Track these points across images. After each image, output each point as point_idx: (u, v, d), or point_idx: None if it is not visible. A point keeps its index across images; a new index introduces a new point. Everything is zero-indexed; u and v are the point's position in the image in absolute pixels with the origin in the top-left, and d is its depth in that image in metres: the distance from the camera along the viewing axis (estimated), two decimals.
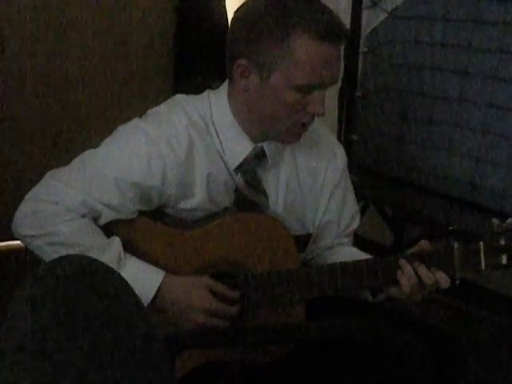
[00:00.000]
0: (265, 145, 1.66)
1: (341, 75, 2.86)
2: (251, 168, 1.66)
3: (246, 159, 1.64)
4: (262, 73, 1.54)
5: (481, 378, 2.26)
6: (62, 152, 3.13)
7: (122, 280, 1.14)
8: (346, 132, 2.92)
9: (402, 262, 1.56)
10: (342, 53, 1.58)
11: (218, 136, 1.64)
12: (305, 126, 1.60)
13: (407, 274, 1.55)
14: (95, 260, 1.15)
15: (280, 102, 1.55)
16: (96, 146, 1.64)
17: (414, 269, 1.55)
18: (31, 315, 0.98)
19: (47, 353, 0.93)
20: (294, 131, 1.61)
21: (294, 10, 1.51)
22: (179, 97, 1.69)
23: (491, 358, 2.41)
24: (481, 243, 1.57)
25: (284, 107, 1.55)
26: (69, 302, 1.02)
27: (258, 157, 1.66)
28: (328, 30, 1.50)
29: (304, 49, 1.50)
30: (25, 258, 1.66)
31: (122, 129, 1.63)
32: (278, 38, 1.51)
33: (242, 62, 1.56)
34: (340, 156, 1.78)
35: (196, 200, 1.63)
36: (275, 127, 1.60)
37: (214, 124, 1.64)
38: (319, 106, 1.56)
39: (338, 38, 1.52)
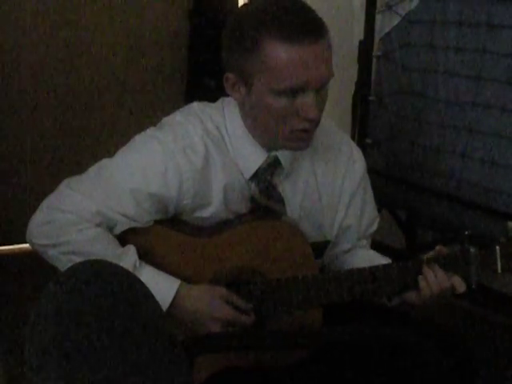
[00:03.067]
0: (279, 153, 1.64)
1: (354, 79, 2.92)
2: (265, 177, 1.65)
3: (260, 168, 1.64)
4: (246, 84, 1.53)
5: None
6: (73, 159, 3.17)
7: (143, 285, 1.15)
8: (360, 136, 2.93)
9: (425, 267, 1.57)
10: (326, 49, 1.49)
11: (233, 146, 1.63)
12: (307, 131, 1.56)
13: (430, 279, 1.56)
14: (116, 265, 1.16)
15: (269, 110, 1.52)
16: (110, 151, 1.64)
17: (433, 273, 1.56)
18: (54, 319, 0.98)
19: (71, 357, 0.94)
20: (295, 138, 1.57)
21: (261, 16, 1.48)
22: (194, 105, 1.68)
23: (503, 361, 2.41)
24: (497, 247, 1.58)
25: (274, 115, 1.53)
26: (91, 307, 1.03)
27: (273, 165, 1.65)
28: (295, 30, 1.45)
29: (274, 54, 1.46)
30: (28, 261, 1.67)
31: (138, 138, 1.63)
32: (250, 47, 1.49)
33: (229, 75, 1.56)
34: (359, 161, 1.77)
35: (212, 208, 1.62)
36: (275, 136, 1.58)
37: (228, 134, 1.63)
38: (309, 109, 1.51)
39: (309, 37, 1.46)
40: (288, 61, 1.46)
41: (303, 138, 1.57)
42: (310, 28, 1.47)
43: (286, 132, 1.55)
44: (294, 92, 1.49)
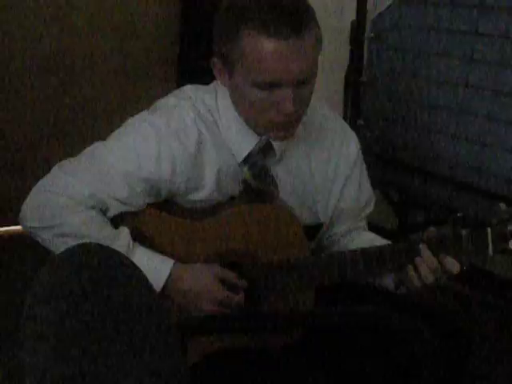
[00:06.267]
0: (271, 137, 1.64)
1: (346, 60, 2.92)
2: (258, 161, 1.65)
3: (252, 152, 1.63)
4: (228, 71, 1.53)
5: (486, 364, 2.28)
6: (67, 142, 3.17)
7: (136, 267, 1.15)
8: (352, 117, 2.93)
9: (423, 247, 1.57)
10: (307, 44, 1.46)
11: (225, 129, 1.63)
12: (285, 124, 1.55)
13: (416, 261, 1.56)
14: (110, 248, 1.17)
15: (248, 100, 1.52)
16: (104, 134, 1.64)
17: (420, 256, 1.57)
18: (49, 303, 0.99)
19: (65, 340, 0.95)
20: (274, 129, 1.57)
21: (244, 6, 1.47)
22: (187, 88, 1.68)
23: (496, 342, 2.43)
24: (488, 229, 1.57)
25: (252, 105, 1.53)
26: (86, 290, 1.03)
27: (265, 149, 1.65)
28: (273, 23, 1.43)
29: (252, 45, 1.46)
30: (23, 243, 1.66)
31: (131, 122, 1.63)
32: (231, 36, 1.48)
33: (215, 60, 1.56)
34: (353, 143, 1.77)
35: (205, 192, 1.62)
36: (256, 124, 1.58)
37: (220, 117, 1.63)
38: (284, 104, 1.49)
39: (288, 31, 1.43)
40: (264, 54, 1.45)
41: (282, 129, 1.57)
42: (290, 21, 1.44)
43: (265, 122, 1.55)
44: (271, 86, 1.48)
